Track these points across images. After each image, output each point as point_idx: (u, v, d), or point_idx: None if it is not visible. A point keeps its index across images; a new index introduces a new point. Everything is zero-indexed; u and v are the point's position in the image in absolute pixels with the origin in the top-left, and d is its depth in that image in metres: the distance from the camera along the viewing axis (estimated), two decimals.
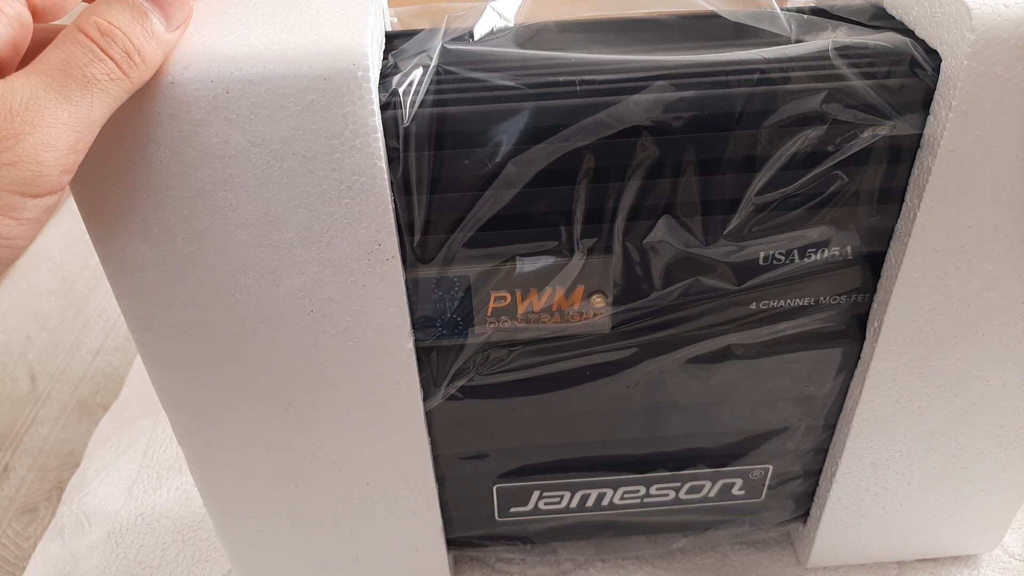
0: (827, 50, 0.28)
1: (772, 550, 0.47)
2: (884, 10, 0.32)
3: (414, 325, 0.33)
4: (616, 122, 0.28)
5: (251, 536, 0.41)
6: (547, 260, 0.31)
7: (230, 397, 0.34)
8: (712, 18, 0.31)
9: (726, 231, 0.30)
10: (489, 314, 0.33)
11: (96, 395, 0.63)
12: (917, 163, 0.29)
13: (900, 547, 0.44)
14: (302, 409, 0.34)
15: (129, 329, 0.32)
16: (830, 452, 0.39)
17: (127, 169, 0.27)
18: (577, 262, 0.31)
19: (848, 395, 0.37)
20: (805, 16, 0.31)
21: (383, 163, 0.27)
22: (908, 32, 0.29)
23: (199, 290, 0.30)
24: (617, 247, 0.31)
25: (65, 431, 0.60)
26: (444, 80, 0.28)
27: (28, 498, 0.55)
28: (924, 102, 0.28)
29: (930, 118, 0.28)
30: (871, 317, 0.34)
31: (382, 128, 0.27)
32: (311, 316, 0.31)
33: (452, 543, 0.44)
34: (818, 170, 0.29)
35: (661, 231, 0.30)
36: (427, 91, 0.28)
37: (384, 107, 0.27)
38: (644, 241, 0.30)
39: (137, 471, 0.54)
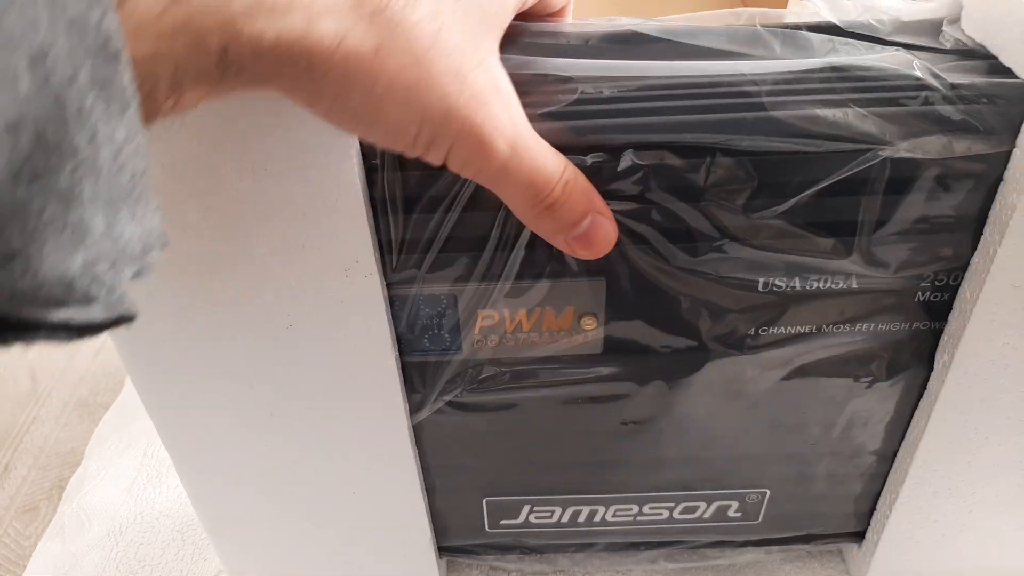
0: (822, 69, 0.27)
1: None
2: (961, 30, 0.30)
3: (400, 341, 0.32)
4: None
5: (240, 540, 0.41)
6: (535, 281, 0.30)
7: (214, 405, 0.34)
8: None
9: (722, 255, 0.29)
10: (477, 332, 0.32)
11: (96, 394, 0.63)
12: (999, 198, 0.27)
13: (957, 572, 0.43)
14: (285, 420, 0.34)
15: (111, 336, 0.32)
16: (890, 479, 0.38)
17: None
18: (566, 284, 0.30)
19: (912, 425, 0.35)
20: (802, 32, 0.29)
21: (359, 180, 0.27)
22: (990, 56, 0.28)
23: (179, 303, 0.30)
24: (607, 268, 0.30)
25: (66, 430, 0.60)
26: None
27: (29, 497, 0.55)
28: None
29: (1016, 152, 0.26)
30: (940, 350, 0.32)
31: (359, 144, 0.26)
32: (291, 330, 0.31)
33: (445, 550, 0.44)
34: (802, 197, 0.27)
35: (652, 251, 0.29)
36: None
37: None
38: (635, 262, 0.29)
39: (137, 470, 0.54)
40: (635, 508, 0.40)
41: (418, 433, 0.36)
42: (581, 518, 0.41)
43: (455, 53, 0.22)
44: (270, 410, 0.34)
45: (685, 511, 0.40)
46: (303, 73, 0.21)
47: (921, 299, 0.31)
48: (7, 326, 0.17)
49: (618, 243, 0.28)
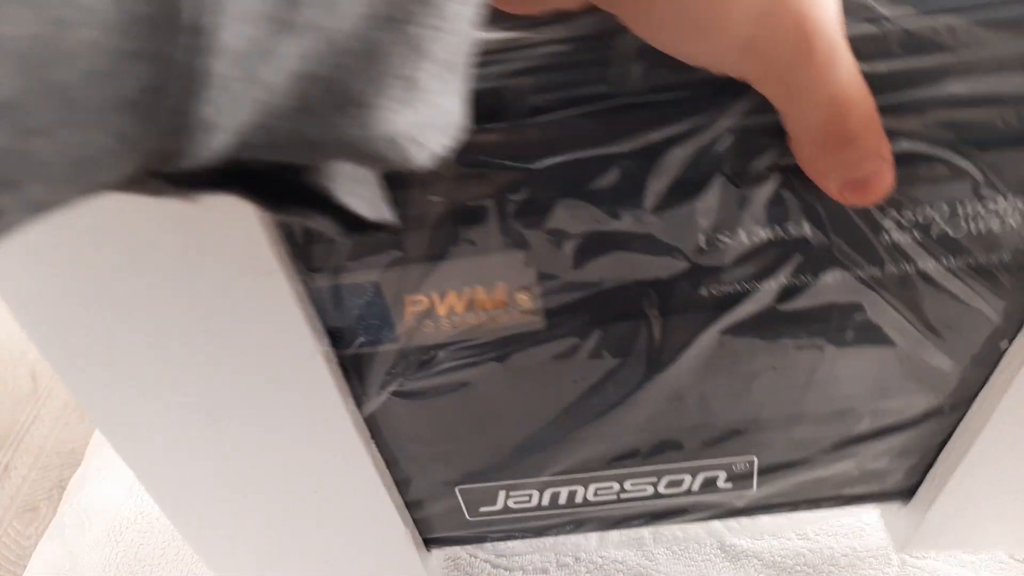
0: None
1: None
2: None
3: (332, 334, 0.30)
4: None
5: (220, 546, 0.40)
6: (456, 260, 0.28)
7: (155, 414, 0.33)
8: None
9: (644, 204, 0.26)
10: (409, 319, 0.30)
11: None
12: None
13: (1006, 537, 0.39)
14: (226, 422, 0.33)
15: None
16: (955, 440, 0.35)
17: None
18: (489, 259, 0.28)
19: (988, 384, 0.32)
20: None
21: None
22: None
23: (86, 311, 0.29)
24: (528, 239, 0.27)
25: (66, 430, 0.61)
26: None
27: (29, 497, 0.56)
28: None
29: None
30: None
31: None
32: (207, 334, 0.29)
33: (433, 541, 0.42)
34: None
35: (565, 215, 0.26)
36: None
37: None
38: (551, 227, 0.27)
39: None
40: (615, 485, 0.38)
41: (373, 426, 0.34)
42: (562, 500, 0.39)
43: None
44: (208, 414, 0.32)
45: (670, 485, 0.38)
46: None
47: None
48: (293, 194, 0.17)
49: (544, 207, 0.26)
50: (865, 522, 0.50)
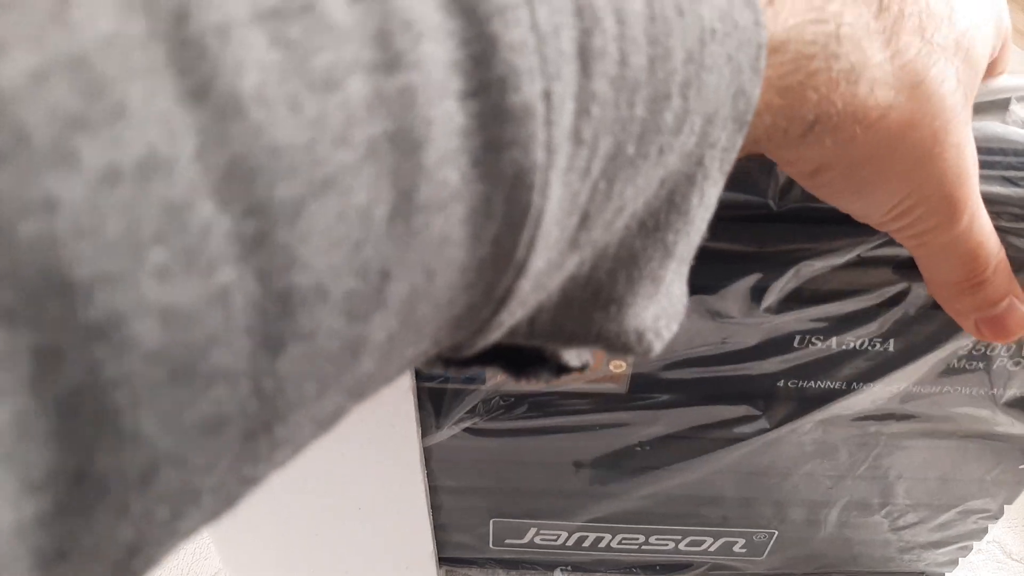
0: None
1: None
2: None
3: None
4: None
5: (243, 544, 0.40)
6: None
7: None
8: None
9: (764, 306, 0.28)
10: None
11: None
12: None
13: None
14: None
15: None
16: None
17: None
18: None
19: None
20: None
21: None
22: None
23: None
24: None
25: None
26: None
27: None
28: None
29: None
30: None
31: None
32: None
33: (445, 560, 0.43)
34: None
35: (692, 303, 0.28)
36: None
37: None
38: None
39: None
40: (641, 538, 0.40)
41: (429, 454, 0.36)
42: (586, 543, 0.41)
43: (964, 127, 0.21)
44: None
45: (691, 544, 0.40)
46: (837, 143, 0.19)
47: None
48: (521, 358, 0.18)
49: None
50: None
